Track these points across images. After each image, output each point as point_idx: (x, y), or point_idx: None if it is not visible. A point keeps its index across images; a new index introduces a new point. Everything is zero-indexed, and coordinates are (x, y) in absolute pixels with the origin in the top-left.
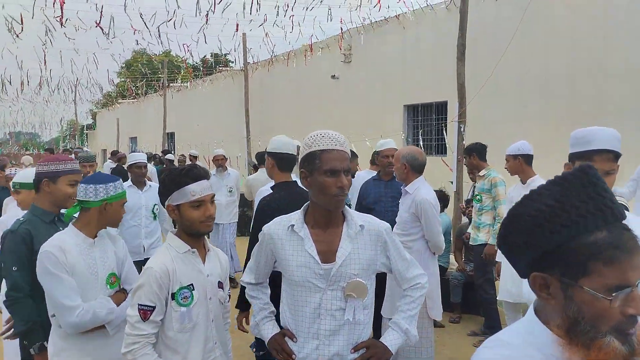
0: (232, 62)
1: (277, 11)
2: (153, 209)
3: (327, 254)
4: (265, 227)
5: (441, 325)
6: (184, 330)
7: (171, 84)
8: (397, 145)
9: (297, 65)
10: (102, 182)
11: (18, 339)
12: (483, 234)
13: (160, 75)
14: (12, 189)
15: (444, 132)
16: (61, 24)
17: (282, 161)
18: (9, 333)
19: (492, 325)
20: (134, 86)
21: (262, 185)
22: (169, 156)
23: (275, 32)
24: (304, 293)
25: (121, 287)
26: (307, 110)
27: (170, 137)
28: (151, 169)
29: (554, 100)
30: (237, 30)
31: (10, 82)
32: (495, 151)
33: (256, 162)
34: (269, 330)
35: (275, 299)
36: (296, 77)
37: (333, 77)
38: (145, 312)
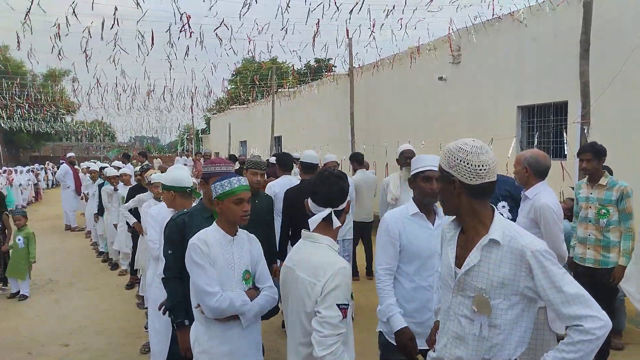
0: (335, 67)
1: (386, 13)
2: None
3: (461, 260)
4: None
5: None
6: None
7: (279, 90)
8: (510, 148)
9: (403, 67)
10: (217, 181)
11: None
12: (614, 254)
13: (267, 83)
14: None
15: (564, 134)
16: (185, 34)
17: (305, 166)
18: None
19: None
20: (244, 92)
21: (365, 184)
22: (272, 159)
23: (382, 35)
24: (444, 289)
25: (255, 285)
26: (413, 113)
27: (278, 140)
28: None
29: None
30: (347, 35)
31: (139, 91)
32: (621, 156)
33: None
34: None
35: None
36: (402, 80)
37: (440, 78)
38: (345, 310)
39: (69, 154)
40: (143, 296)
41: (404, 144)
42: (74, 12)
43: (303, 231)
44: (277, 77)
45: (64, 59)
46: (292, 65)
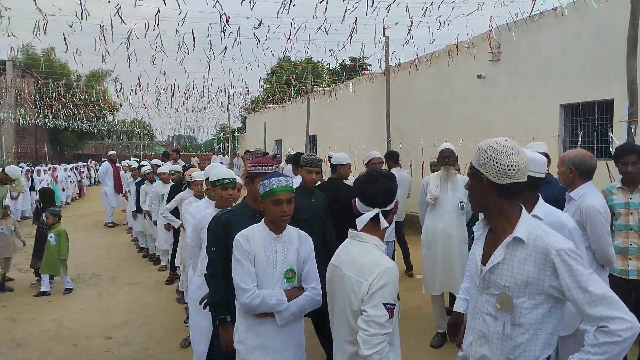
0: (370, 65)
1: (425, 11)
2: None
3: (488, 258)
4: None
5: None
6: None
7: (314, 89)
8: (553, 147)
9: (440, 66)
10: (262, 180)
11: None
12: None
13: (303, 82)
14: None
15: (610, 133)
16: (224, 34)
17: (332, 167)
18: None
19: None
20: (279, 91)
21: (400, 183)
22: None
23: (419, 33)
24: (472, 287)
25: (300, 284)
26: (451, 112)
27: (312, 139)
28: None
29: None
30: (383, 34)
31: (179, 92)
32: None
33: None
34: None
35: None
36: (439, 78)
37: (479, 76)
38: (392, 310)
39: (110, 152)
40: (183, 291)
41: (443, 143)
42: (117, 13)
43: (350, 230)
44: (313, 76)
45: (107, 59)
46: (328, 65)
